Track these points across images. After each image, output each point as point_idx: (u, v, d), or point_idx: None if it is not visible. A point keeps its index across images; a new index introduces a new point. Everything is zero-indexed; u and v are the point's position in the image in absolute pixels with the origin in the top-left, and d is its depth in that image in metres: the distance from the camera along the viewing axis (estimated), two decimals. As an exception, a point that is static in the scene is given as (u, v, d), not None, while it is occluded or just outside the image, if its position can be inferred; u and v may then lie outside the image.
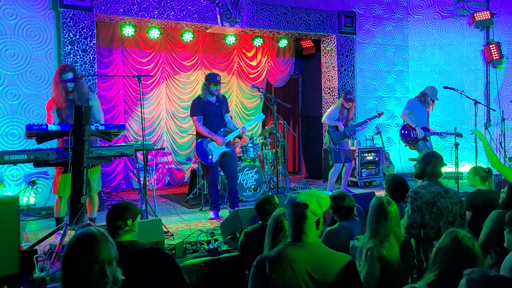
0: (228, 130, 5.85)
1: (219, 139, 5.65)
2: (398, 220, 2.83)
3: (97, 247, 1.70)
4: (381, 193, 4.17)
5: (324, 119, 7.13)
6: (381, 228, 2.75)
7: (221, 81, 6.06)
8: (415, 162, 3.65)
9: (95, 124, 4.19)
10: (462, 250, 2.12)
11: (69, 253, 1.71)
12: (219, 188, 6.13)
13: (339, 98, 7.33)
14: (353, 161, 7.93)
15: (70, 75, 4.52)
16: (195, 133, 6.04)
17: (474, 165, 6.30)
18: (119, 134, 4.49)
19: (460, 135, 6.74)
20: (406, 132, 6.86)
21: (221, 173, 6.50)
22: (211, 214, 5.74)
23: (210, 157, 5.62)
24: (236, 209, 4.42)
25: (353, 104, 7.22)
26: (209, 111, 5.66)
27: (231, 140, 5.89)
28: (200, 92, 5.77)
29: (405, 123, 6.88)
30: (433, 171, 3.40)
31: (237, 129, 5.92)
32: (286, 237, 2.55)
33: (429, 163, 3.42)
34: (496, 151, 8.45)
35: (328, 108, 7.77)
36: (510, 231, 2.62)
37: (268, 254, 2.17)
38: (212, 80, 5.66)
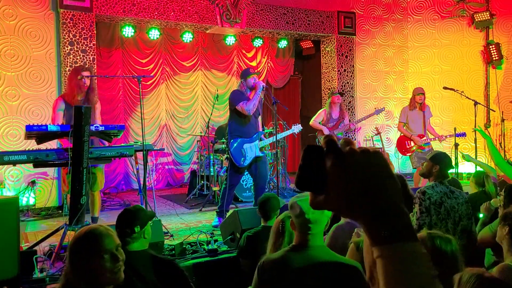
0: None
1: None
2: None
3: (101, 239, 1.78)
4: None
5: (311, 122, 7.07)
6: None
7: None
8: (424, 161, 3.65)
9: (94, 125, 4.19)
10: (437, 254, 1.96)
11: (75, 251, 1.79)
12: (219, 191, 5.89)
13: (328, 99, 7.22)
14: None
15: (87, 74, 4.82)
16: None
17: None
18: (118, 135, 4.49)
19: (463, 134, 6.68)
20: (400, 146, 6.85)
21: (222, 172, 6.47)
22: (216, 220, 5.25)
23: (242, 159, 5.19)
24: (236, 209, 4.41)
25: (341, 103, 7.13)
26: None
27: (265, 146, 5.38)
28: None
29: (401, 134, 6.84)
30: (440, 172, 3.41)
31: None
32: (285, 242, 2.47)
33: (437, 164, 3.42)
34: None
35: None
36: (502, 226, 2.61)
37: (270, 258, 2.08)
38: (246, 73, 5.26)
